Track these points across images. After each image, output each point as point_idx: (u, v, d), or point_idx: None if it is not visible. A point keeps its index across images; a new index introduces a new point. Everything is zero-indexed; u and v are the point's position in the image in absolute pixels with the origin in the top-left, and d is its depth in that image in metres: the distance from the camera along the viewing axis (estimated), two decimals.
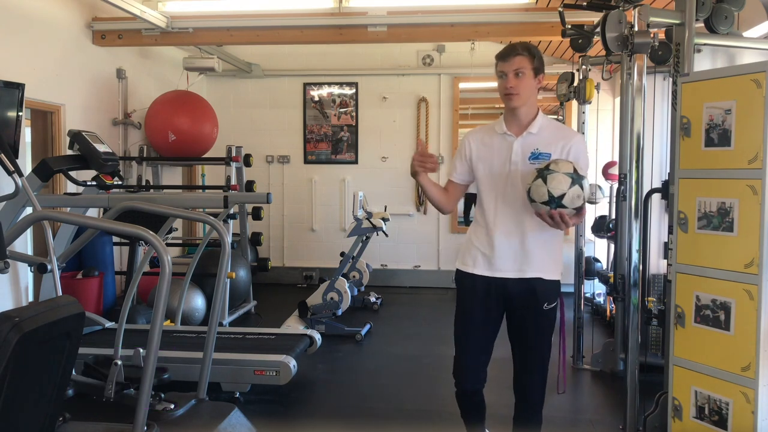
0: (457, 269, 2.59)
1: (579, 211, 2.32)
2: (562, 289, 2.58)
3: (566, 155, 2.40)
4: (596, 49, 4.60)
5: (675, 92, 2.98)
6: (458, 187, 2.62)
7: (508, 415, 2.65)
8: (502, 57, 2.42)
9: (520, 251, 2.44)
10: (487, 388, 2.64)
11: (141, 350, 3.32)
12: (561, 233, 2.49)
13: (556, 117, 8.09)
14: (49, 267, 2.99)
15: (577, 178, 2.25)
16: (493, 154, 2.49)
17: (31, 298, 4.57)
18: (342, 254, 5.99)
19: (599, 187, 5.91)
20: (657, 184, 3.80)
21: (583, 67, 4.42)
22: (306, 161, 7.73)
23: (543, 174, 2.24)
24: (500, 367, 2.85)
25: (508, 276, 2.45)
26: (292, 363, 3.78)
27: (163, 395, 3.07)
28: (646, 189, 3.71)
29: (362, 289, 6.67)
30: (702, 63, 3.33)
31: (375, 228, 5.81)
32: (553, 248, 2.49)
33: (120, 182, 3.82)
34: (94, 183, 3.73)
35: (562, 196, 2.21)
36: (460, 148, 2.61)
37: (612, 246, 5.58)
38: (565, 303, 2.71)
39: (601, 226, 5.68)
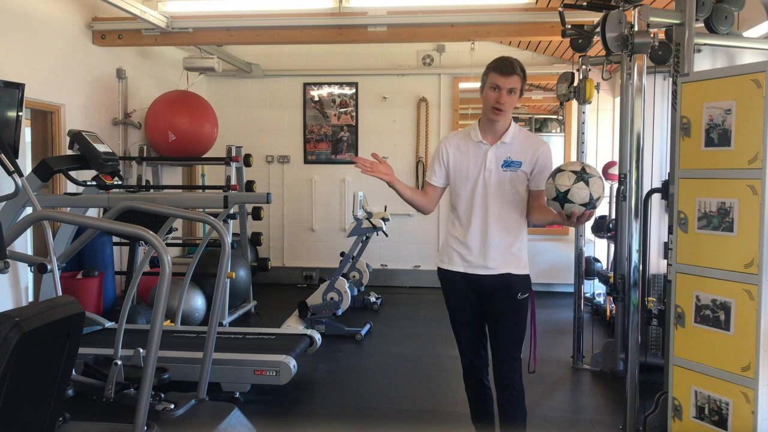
0: (438, 267, 2.78)
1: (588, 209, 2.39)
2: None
3: (535, 162, 2.59)
4: (596, 49, 4.61)
5: (675, 92, 2.98)
6: (437, 190, 2.78)
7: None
8: (501, 72, 2.51)
9: (490, 250, 2.61)
10: None
11: (141, 350, 3.33)
12: (525, 232, 2.69)
13: (556, 117, 8.10)
14: (49, 267, 2.99)
15: (583, 175, 2.32)
16: (469, 161, 2.66)
17: (31, 298, 4.57)
18: (342, 254, 5.99)
19: None
20: (657, 184, 3.80)
21: (583, 67, 4.42)
22: (306, 161, 7.73)
23: (584, 177, 2.29)
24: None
25: (481, 273, 2.63)
26: (292, 363, 3.78)
27: (163, 395, 3.07)
28: (646, 189, 3.72)
29: (362, 289, 6.67)
30: (702, 63, 3.33)
31: (375, 228, 5.81)
32: (520, 247, 2.67)
33: (120, 182, 3.82)
34: (94, 183, 3.73)
35: (598, 198, 2.31)
36: (437, 153, 2.76)
37: (612, 246, 5.58)
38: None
39: (601, 226, 5.67)
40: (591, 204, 2.29)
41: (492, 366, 2.69)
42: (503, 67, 2.51)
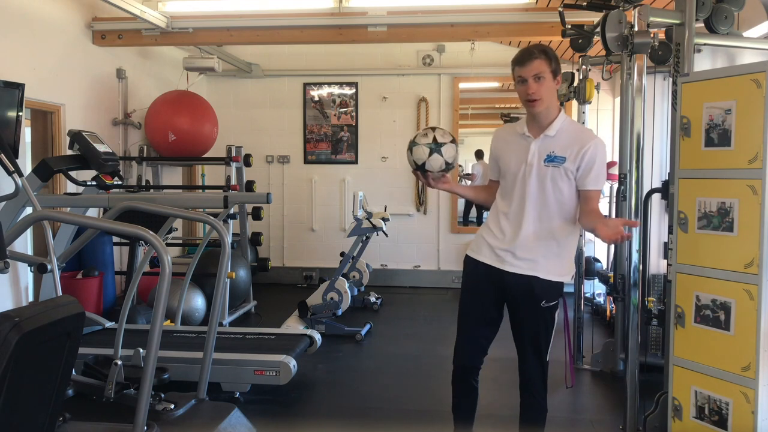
0: (466, 254, 2.69)
1: (447, 172, 2.57)
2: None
3: (581, 159, 2.43)
4: (596, 49, 4.60)
5: (675, 92, 2.98)
6: (494, 183, 2.72)
7: (510, 415, 2.69)
8: (520, 62, 2.44)
9: (522, 248, 2.48)
10: (489, 388, 2.64)
11: (141, 350, 3.32)
12: (569, 235, 2.52)
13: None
14: (49, 267, 2.99)
15: (435, 147, 2.50)
16: (512, 153, 2.56)
17: (31, 298, 4.57)
18: (342, 254, 5.99)
19: None
20: (657, 184, 3.80)
21: (583, 67, 4.42)
22: (306, 161, 7.73)
23: (437, 149, 2.51)
24: (503, 367, 2.86)
25: (506, 269, 2.51)
26: (292, 363, 3.78)
27: (163, 395, 3.07)
28: (646, 189, 3.71)
29: (362, 289, 6.67)
30: (702, 63, 3.33)
31: (375, 228, 5.81)
32: (558, 253, 2.51)
33: (120, 182, 3.82)
34: (94, 183, 3.73)
35: (453, 160, 2.54)
36: (491, 148, 2.73)
37: (612, 246, 5.58)
38: (567, 304, 2.72)
39: None
40: (448, 167, 2.53)
41: (518, 367, 2.63)
42: (521, 57, 2.44)
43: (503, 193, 2.60)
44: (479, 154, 10.13)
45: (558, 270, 2.51)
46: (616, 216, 4.21)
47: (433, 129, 2.54)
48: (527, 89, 2.43)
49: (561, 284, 2.53)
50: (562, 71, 4.60)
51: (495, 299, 2.58)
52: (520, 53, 2.46)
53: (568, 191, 2.46)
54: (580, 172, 2.43)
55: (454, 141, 2.52)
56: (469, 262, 2.65)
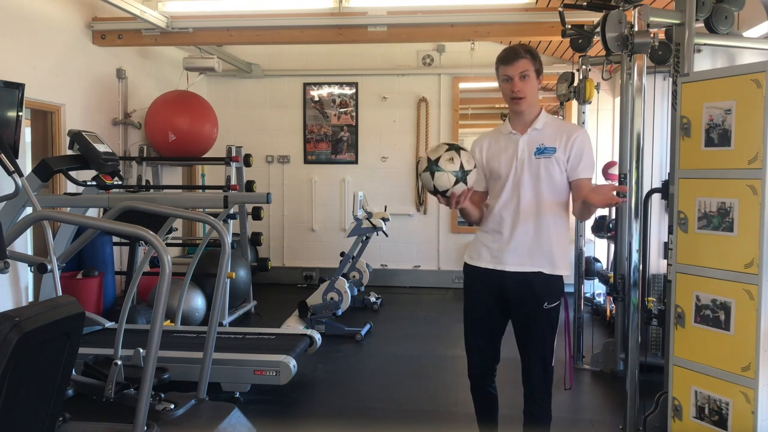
0: (464, 263, 2.66)
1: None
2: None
3: (570, 148, 2.46)
4: (596, 49, 4.61)
5: (675, 92, 2.98)
6: (480, 195, 2.62)
7: (515, 415, 2.69)
8: (505, 61, 2.45)
9: (523, 245, 2.48)
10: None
11: (141, 350, 3.32)
12: (566, 228, 2.54)
13: (556, 117, 8.10)
14: (49, 267, 2.99)
15: (462, 176, 2.28)
16: (501, 154, 2.55)
17: (31, 298, 4.57)
18: (342, 254, 5.99)
19: None
20: (657, 184, 3.80)
21: (583, 67, 4.42)
22: (306, 161, 7.73)
23: (432, 169, 2.28)
24: (508, 367, 2.86)
25: (507, 269, 2.49)
26: (292, 363, 3.78)
27: (163, 395, 3.07)
28: (646, 189, 3.71)
29: (362, 289, 6.67)
30: (702, 63, 3.33)
31: (375, 228, 5.81)
32: (558, 242, 2.50)
33: (120, 182, 3.82)
34: (94, 183, 3.73)
35: (445, 191, 2.30)
36: (474, 157, 2.59)
37: (612, 246, 5.58)
38: (570, 303, 2.71)
39: (601, 226, 5.67)
40: (458, 182, 2.28)
41: (521, 370, 2.60)
42: (507, 56, 2.45)
43: (495, 194, 2.56)
44: None
45: (560, 263, 2.50)
46: (617, 216, 4.22)
47: (458, 151, 2.29)
48: (513, 87, 2.45)
49: (561, 279, 2.52)
50: (562, 71, 4.67)
51: (498, 305, 2.56)
52: (505, 52, 2.47)
53: (560, 180, 2.48)
54: (571, 162, 2.46)
55: (476, 165, 2.35)
56: (468, 271, 2.62)
